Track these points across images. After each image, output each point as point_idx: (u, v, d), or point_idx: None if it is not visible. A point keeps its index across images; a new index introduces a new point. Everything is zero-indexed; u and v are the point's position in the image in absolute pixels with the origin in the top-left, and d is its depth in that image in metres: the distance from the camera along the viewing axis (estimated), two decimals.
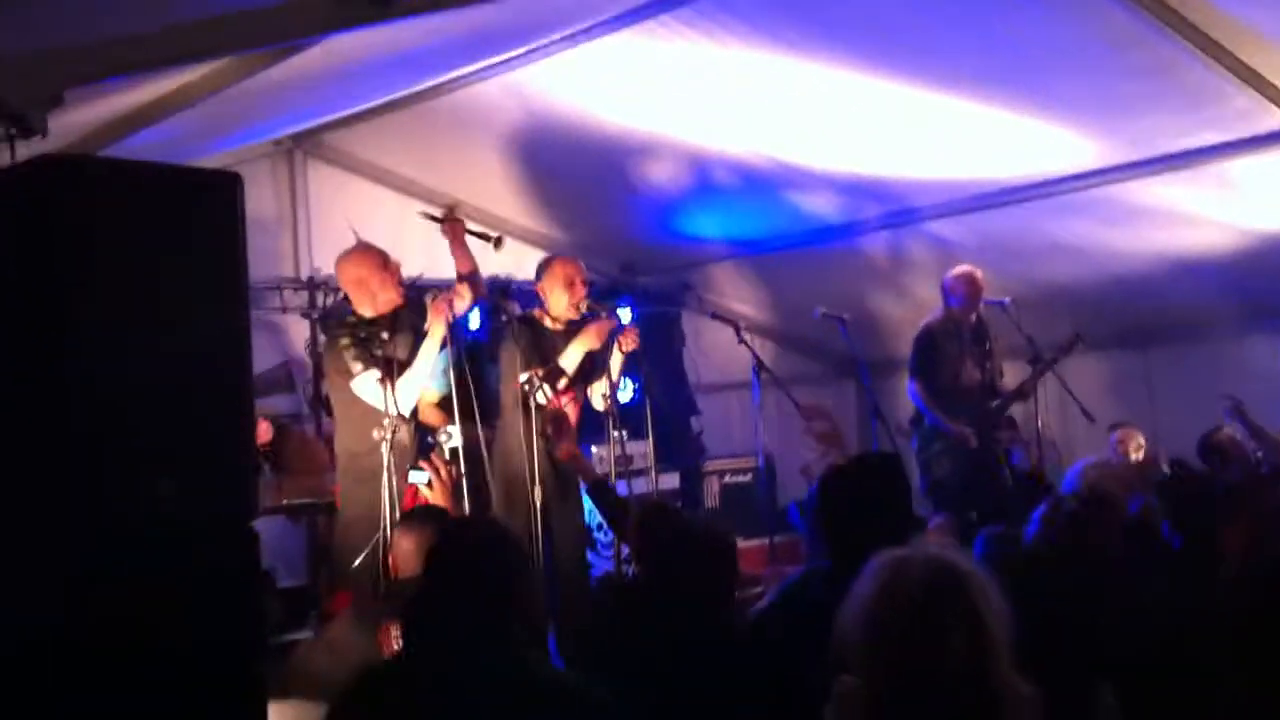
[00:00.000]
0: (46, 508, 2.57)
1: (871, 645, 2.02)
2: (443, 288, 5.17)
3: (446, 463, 4.69)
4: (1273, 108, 5.09)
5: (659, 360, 7.76)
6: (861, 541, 2.49)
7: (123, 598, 2.52)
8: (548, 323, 5.48)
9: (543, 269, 5.56)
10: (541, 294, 5.53)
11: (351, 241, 5.19)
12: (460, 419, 5.11)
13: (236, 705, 2.70)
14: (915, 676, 1.97)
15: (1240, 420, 6.40)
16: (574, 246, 7.28)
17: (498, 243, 5.51)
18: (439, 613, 2.55)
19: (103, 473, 2.56)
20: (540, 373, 5.08)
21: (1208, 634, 2.50)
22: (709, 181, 6.96)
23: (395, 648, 3.12)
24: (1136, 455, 6.39)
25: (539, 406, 5.05)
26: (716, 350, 8.54)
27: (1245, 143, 5.44)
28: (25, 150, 3.57)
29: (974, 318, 6.60)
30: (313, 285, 7.07)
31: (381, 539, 4.48)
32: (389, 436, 4.62)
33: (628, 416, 5.98)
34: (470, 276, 5.35)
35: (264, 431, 5.59)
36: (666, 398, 7.65)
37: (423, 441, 5.09)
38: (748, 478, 8.04)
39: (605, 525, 6.53)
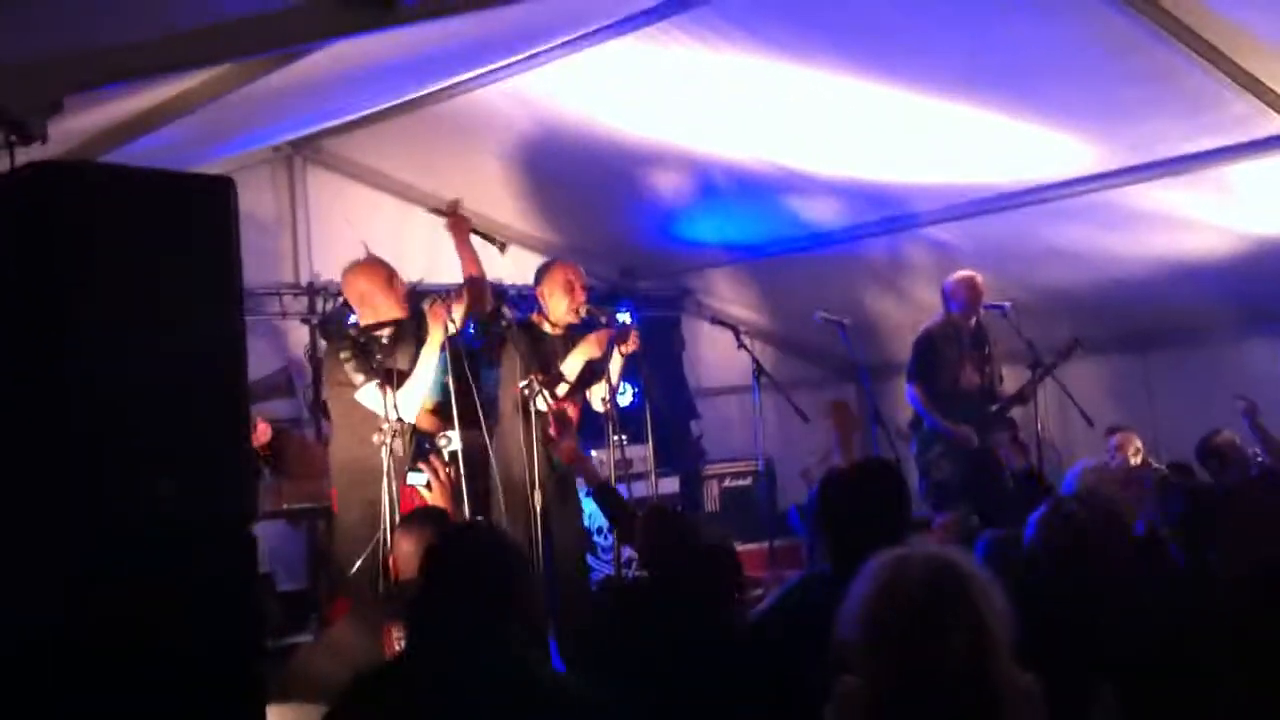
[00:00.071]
0: (46, 508, 2.57)
1: (872, 645, 2.02)
2: (442, 293, 5.17)
3: (445, 464, 4.69)
4: (1271, 113, 5.09)
5: (659, 364, 7.76)
6: (861, 545, 2.50)
7: (122, 598, 2.52)
8: (546, 328, 5.48)
9: (542, 273, 5.56)
10: (541, 298, 5.53)
11: (354, 248, 5.19)
12: (460, 424, 5.10)
13: (235, 706, 2.71)
14: (916, 676, 1.97)
15: (1250, 421, 6.40)
16: (573, 251, 7.28)
17: (502, 247, 5.51)
18: (439, 614, 2.55)
19: (102, 473, 2.57)
20: (540, 378, 5.08)
21: (1208, 634, 2.50)
22: (709, 186, 6.96)
23: (397, 649, 3.12)
24: (1135, 459, 6.39)
25: (539, 412, 5.05)
26: (716, 354, 8.56)
27: (1244, 147, 5.44)
28: (25, 156, 3.58)
29: (974, 322, 6.61)
30: (312, 290, 7.08)
31: (381, 542, 4.48)
32: (389, 440, 4.62)
33: (627, 420, 5.99)
34: (473, 282, 5.35)
35: (263, 433, 5.59)
36: (666, 402, 7.64)
37: (419, 447, 5.09)
38: (748, 481, 8.05)
39: (605, 530, 6.56)
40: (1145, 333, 7.48)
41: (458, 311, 5.08)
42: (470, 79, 5.71)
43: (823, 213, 7.11)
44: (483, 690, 2.41)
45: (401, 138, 6.74)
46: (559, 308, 5.43)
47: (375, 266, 5.08)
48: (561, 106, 6.12)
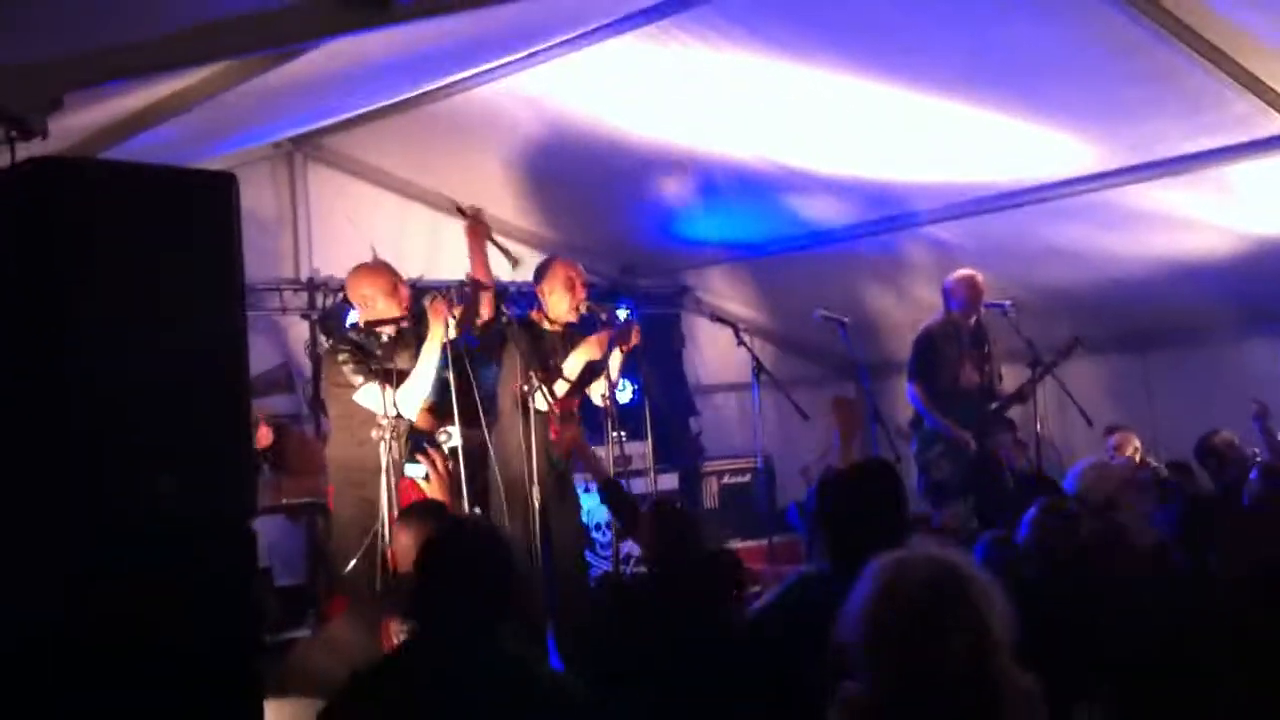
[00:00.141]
0: (47, 504, 2.57)
1: (873, 646, 2.02)
2: (443, 289, 5.16)
3: (444, 456, 4.69)
4: (1272, 113, 5.09)
5: (658, 361, 7.77)
6: (859, 544, 2.50)
7: (122, 594, 2.52)
8: (546, 325, 5.47)
9: (542, 271, 5.55)
10: (541, 296, 5.52)
11: (354, 244, 5.18)
12: (459, 421, 5.10)
13: (234, 701, 2.71)
14: (916, 678, 1.97)
15: (1260, 425, 6.40)
16: (573, 248, 7.28)
17: (515, 263, 5.50)
18: (436, 610, 2.55)
19: (103, 469, 2.58)
20: (540, 375, 5.07)
21: (1208, 634, 2.50)
22: (709, 184, 6.96)
23: (396, 643, 3.12)
24: (1133, 458, 6.40)
25: (538, 410, 5.05)
26: (716, 351, 8.56)
27: (1244, 147, 5.44)
28: (25, 151, 3.57)
29: (974, 321, 6.61)
30: (312, 286, 7.08)
31: (379, 536, 4.48)
32: (387, 436, 4.61)
33: (627, 417, 5.99)
34: (477, 285, 5.33)
35: (264, 436, 5.59)
36: (666, 399, 7.65)
37: (416, 444, 5.08)
38: (747, 478, 8.06)
39: (603, 526, 6.56)
40: (1145, 332, 7.48)
41: (458, 309, 5.08)
42: (470, 77, 5.71)
43: (823, 211, 7.11)
44: (480, 687, 2.41)
45: (403, 135, 6.74)
46: (559, 305, 5.42)
47: (380, 271, 5.07)
48: (562, 105, 6.11)
